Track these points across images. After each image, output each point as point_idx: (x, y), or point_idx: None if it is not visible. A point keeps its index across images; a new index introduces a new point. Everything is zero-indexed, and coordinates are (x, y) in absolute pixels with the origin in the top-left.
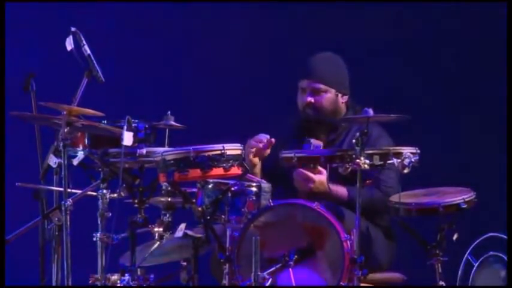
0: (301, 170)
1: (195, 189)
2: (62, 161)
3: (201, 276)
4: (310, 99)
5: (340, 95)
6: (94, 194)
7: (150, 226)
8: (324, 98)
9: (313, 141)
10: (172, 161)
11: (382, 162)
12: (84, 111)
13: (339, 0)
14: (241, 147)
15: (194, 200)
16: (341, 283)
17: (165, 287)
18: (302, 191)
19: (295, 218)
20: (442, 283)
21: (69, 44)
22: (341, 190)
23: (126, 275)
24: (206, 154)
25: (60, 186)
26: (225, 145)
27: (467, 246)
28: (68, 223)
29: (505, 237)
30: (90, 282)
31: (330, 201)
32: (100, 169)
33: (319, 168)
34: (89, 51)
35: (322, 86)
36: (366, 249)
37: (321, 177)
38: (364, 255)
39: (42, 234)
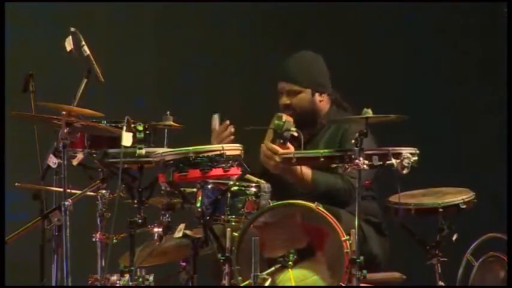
0: (271, 144)
1: (194, 190)
2: (62, 162)
3: (201, 277)
4: (287, 101)
5: (317, 94)
6: (93, 194)
7: (149, 226)
8: (299, 99)
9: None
10: (171, 162)
11: (381, 163)
12: (84, 111)
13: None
14: (240, 148)
15: (193, 201)
16: (341, 283)
17: (165, 287)
18: (269, 166)
19: (295, 219)
20: (441, 283)
21: (69, 44)
22: (306, 170)
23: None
24: (205, 154)
25: (60, 187)
26: (224, 145)
27: (467, 247)
28: (68, 223)
29: (505, 237)
30: (89, 282)
31: (299, 185)
32: (99, 169)
33: (288, 145)
34: (88, 52)
35: (296, 87)
36: (361, 247)
37: (288, 152)
38: (360, 253)
39: (42, 235)
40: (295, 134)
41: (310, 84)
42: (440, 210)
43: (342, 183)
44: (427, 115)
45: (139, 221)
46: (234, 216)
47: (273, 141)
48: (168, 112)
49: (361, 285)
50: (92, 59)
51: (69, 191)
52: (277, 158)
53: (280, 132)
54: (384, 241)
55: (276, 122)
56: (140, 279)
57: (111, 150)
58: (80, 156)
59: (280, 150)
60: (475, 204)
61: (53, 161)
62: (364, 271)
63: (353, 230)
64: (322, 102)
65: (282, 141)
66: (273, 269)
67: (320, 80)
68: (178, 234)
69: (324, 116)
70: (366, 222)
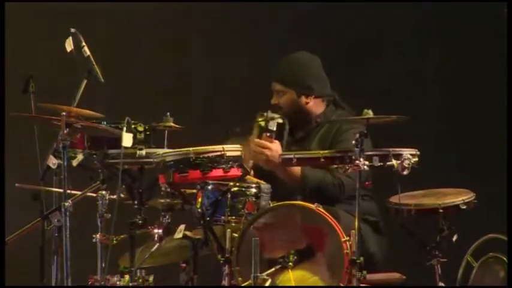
0: (258, 140)
1: (194, 191)
2: (62, 162)
3: (200, 277)
4: (275, 100)
5: (303, 96)
6: (94, 195)
7: (149, 227)
8: (285, 99)
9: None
10: (172, 163)
11: (381, 164)
12: (84, 112)
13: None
14: (240, 149)
15: (194, 201)
16: (340, 284)
17: (165, 287)
18: (260, 162)
19: (295, 219)
20: (441, 284)
21: (69, 45)
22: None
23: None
24: (206, 155)
25: (60, 187)
26: (224, 146)
27: (467, 247)
28: (68, 224)
29: (505, 238)
30: (89, 283)
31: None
32: (100, 170)
33: (273, 140)
34: (88, 52)
35: (281, 88)
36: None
37: (277, 146)
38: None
39: (42, 235)
40: (280, 120)
41: (294, 86)
42: (441, 210)
43: (331, 178)
44: (427, 115)
45: (140, 222)
46: (234, 217)
47: (259, 137)
48: (168, 113)
49: (361, 285)
50: (92, 59)
51: (69, 191)
52: (267, 152)
53: (265, 126)
54: (381, 239)
55: (260, 119)
56: (140, 280)
57: (111, 151)
58: (80, 157)
59: (269, 144)
60: (475, 205)
61: (52, 162)
62: (364, 272)
63: (353, 230)
64: (310, 104)
65: (268, 134)
66: (273, 269)
67: (307, 82)
68: (178, 235)
69: (319, 116)
70: (363, 222)
